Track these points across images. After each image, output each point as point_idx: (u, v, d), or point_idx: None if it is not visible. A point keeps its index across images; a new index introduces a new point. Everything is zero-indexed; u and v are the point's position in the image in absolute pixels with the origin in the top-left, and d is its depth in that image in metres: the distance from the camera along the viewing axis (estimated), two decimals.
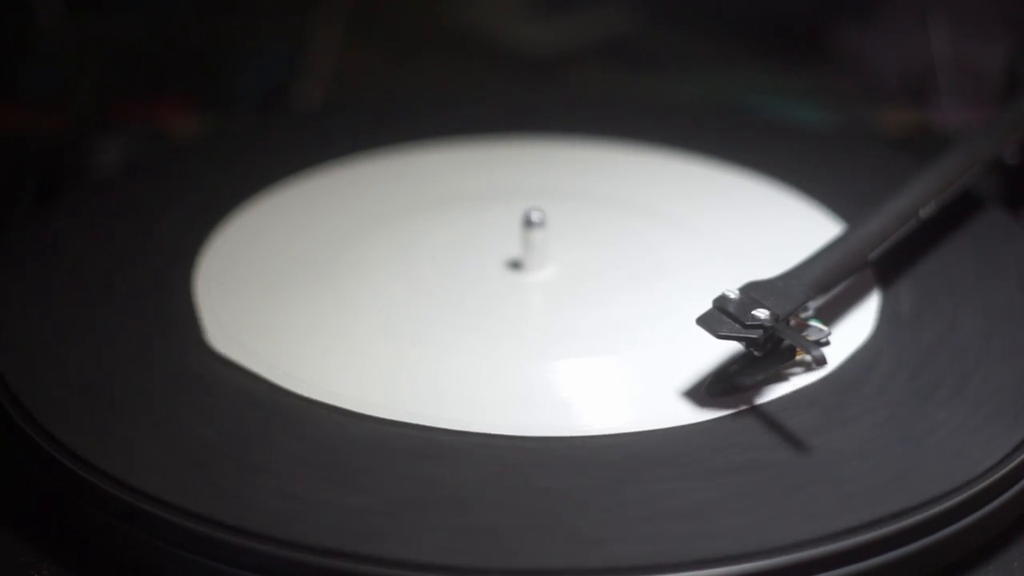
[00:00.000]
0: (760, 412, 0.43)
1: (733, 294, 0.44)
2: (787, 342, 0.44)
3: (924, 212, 0.50)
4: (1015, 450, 0.41)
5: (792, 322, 0.44)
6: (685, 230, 0.54)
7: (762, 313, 0.43)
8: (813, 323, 0.45)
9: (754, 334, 0.43)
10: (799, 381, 0.44)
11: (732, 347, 0.44)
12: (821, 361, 0.42)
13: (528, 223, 0.50)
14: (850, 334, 0.46)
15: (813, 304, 0.45)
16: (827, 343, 0.44)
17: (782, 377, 0.44)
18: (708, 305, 0.44)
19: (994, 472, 0.40)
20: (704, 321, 0.43)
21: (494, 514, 0.39)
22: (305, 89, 0.75)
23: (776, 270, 0.45)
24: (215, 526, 0.38)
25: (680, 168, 0.59)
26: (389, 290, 0.50)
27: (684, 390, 0.44)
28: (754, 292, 0.44)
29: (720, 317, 0.43)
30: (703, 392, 0.44)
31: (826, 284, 0.46)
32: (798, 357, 0.44)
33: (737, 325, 0.43)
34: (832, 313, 0.47)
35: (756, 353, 0.44)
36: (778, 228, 0.54)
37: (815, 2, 0.83)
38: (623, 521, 0.38)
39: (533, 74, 0.82)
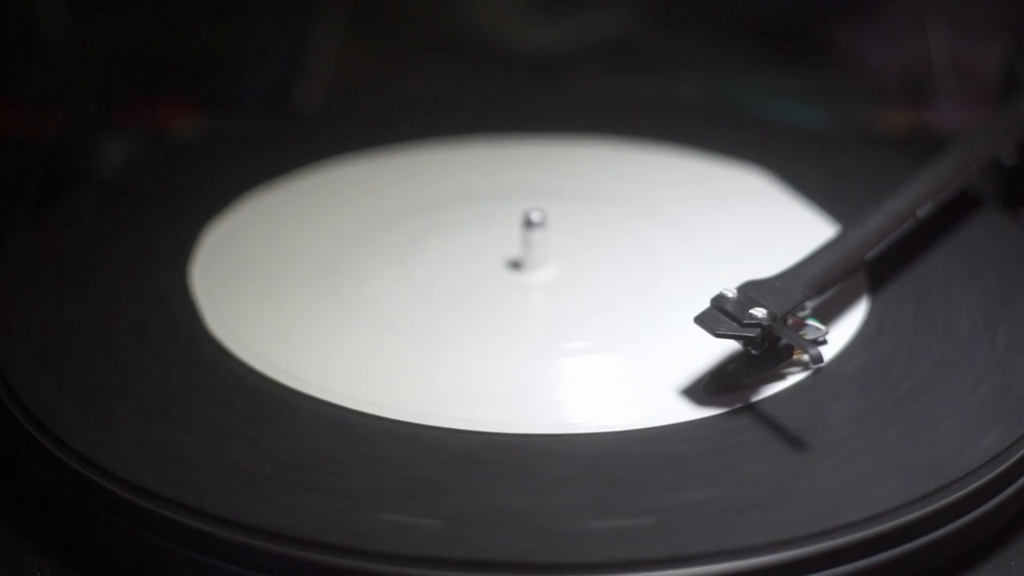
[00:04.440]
0: (758, 410, 0.43)
1: (731, 293, 0.44)
2: (784, 341, 0.44)
3: (921, 212, 0.50)
4: (1012, 447, 0.41)
5: (790, 321, 0.44)
6: (684, 229, 0.54)
7: (760, 312, 0.43)
8: (811, 322, 0.45)
9: (752, 333, 0.43)
10: (796, 380, 0.44)
11: (730, 346, 0.44)
12: (818, 360, 0.43)
13: (528, 223, 0.50)
14: (847, 333, 0.47)
15: (810, 303, 0.45)
16: (824, 342, 0.45)
17: (780, 376, 0.44)
18: (706, 304, 0.44)
19: (991, 469, 0.40)
20: (702, 320, 0.43)
21: (493, 511, 0.39)
22: (306, 89, 0.75)
23: (774, 269, 0.46)
24: (217, 523, 0.38)
25: (680, 167, 0.59)
26: (389, 289, 0.50)
27: (682, 388, 0.44)
28: (752, 291, 0.44)
29: (718, 316, 0.43)
30: (701, 390, 0.44)
31: (823, 284, 0.46)
32: (796, 356, 0.44)
33: (735, 324, 0.43)
34: (829, 312, 0.47)
35: (754, 352, 0.44)
36: (776, 228, 0.54)
37: (814, 3, 0.83)
38: (620, 518, 0.38)
39: (533, 74, 0.82)
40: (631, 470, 0.40)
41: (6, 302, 0.49)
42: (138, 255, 0.51)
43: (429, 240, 0.53)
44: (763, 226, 0.55)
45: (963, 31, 0.76)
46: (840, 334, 0.46)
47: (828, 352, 0.45)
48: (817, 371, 0.44)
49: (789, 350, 0.44)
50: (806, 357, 0.44)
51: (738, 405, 0.43)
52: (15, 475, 0.43)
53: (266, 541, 0.38)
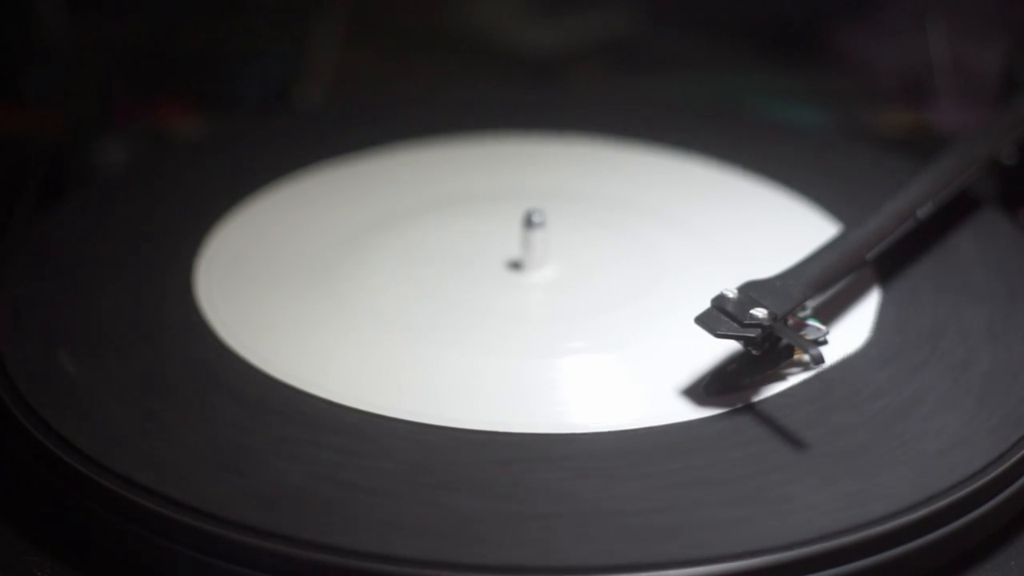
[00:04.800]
0: (758, 411, 0.43)
1: (731, 293, 0.44)
2: (785, 341, 0.44)
3: (922, 212, 0.50)
4: (1011, 449, 0.41)
5: (790, 321, 0.44)
6: (685, 230, 0.54)
7: (760, 312, 0.43)
8: (811, 322, 0.45)
9: (752, 333, 0.43)
10: (796, 380, 0.44)
11: (731, 346, 0.44)
12: (819, 360, 0.43)
13: (528, 223, 0.50)
14: (846, 333, 0.47)
15: (811, 303, 0.45)
16: (825, 342, 0.45)
17: (780, 376, 0.44)
18: (707, 304, 0.44)
19: (991, 471, 0.40)
20: (702, 320, 0.43)
21: (491, 511, 0.39)
22: (306, 89, 0.76)
23: (774, 270, 0.46)
24: (216, 523, 0.38)
25: (680, 168, 0.60)
26: (389, 289, 0.50)
27: (683, 389, 0.44)
28: (752, 291, 0.44)
29: (718, 316, 0.43)
30: (701, 391, 0.44)
31: (824, 284, 0.46)
32: (796, 356, 0.44)
33: (735, 324, 0.43)
34: (829, 312, 0.48)
35: (754, 352, 0.44)
36: (776, 228, 0.54)
37: (814, 3, 0.83)
38: (620, 518, 0.39)
39: (533, 74, 0.82)
40: (630, 470, 0.40)
41: (7, 302, 0.49)
42: (139, 256, 0.51)
43: (429, 240, 0.53)
44: (763, 226, 0.55)
45: (963, 31, 0.76)
46: (839, 334, 0.46)
47: (828, 352, 0.45)
48: (818, 371, 0.44)
49: (789, 350, 0.44)
50: (806, 357, 0.44)
51: (738, 405, 0.43)
52: (16, 475, 0.43)
53: (266, 541, 0.38)
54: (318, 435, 0.42)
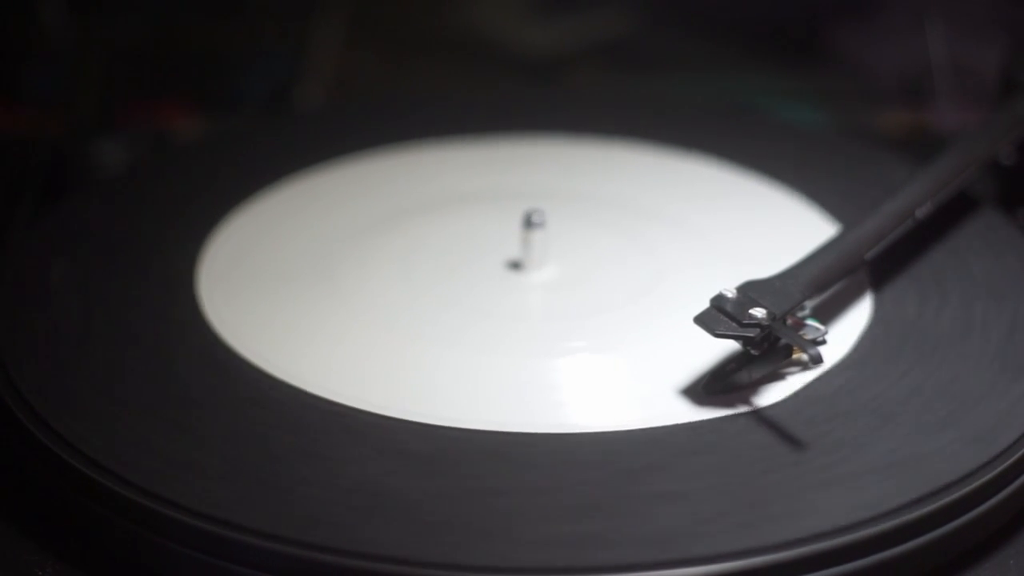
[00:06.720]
0: (757, 410, 0.43)
1: (731, 293, 0.44)
2: (784, 341, 0.44)
3: (920, 212, 0.50)
4: (1011, 448, 0.41)
5: (789, 321, 0.44)
6: (684, 230, 0.54)
7: (759, 312, 0.43)
8: (810, 322, 0.45)
9: (751, 333, 0.43)
10: (796, 380, 0.44)
11: (729, 346, 0.44)
12: (817, 360, 0.43)
13: (528, 223, 0.50)
14: (846, 333, 0.47)
15: (810, 303, 0.45)
16: (824, 342, 0.45)
17: (779, 376, 0.44)
18: (706, 304, 0.44)
19: (990, 470, 0.40)
20: (701, 320, 0.43)
21: (490, 511, 0.39)
22: (306, 90, 0.76)
23: (773, 270, 0.46)
24: (218, 524, 0.38)
25: (680, 168, 0.60)
26: (390, 289, 0.50)
27: (682, 388, 0.44)
28: (751, 291, 0.44)
29: (717, 316, 0.43)
30: (700, 391, 0.44)
31: (823, 283, 0.46)
32: (795, 356, 0.44)
33: (734, 324, 0.43)
34: (828, 312, 0.48)
35: (753, 352, 0.44)
36: (776, 228, 0.54)
37: (814, 4, 0.83)
38: (619, 518, 0.39)
39: (533, 74, 0.82)
40: (630, 469, 0.40)
41: (8, 302, 0.49)
42: (140, 254, 0.52)
43: (429, 240, 0.53)
44: (763, 227, 0.55)
45: (962, 31, 0.76)
46: (838, 334, 0.47)
47: (826, 352, 0.45)
48: (816, 371, 0.44)
49: (788, 350, 0.44)
50: (805, 357, 0.44)
51: (737, 405, 0.43)
52: (17, 474, 0.43)
53: (267, 542, 0.38)
54: (317, 435, 0.42)
